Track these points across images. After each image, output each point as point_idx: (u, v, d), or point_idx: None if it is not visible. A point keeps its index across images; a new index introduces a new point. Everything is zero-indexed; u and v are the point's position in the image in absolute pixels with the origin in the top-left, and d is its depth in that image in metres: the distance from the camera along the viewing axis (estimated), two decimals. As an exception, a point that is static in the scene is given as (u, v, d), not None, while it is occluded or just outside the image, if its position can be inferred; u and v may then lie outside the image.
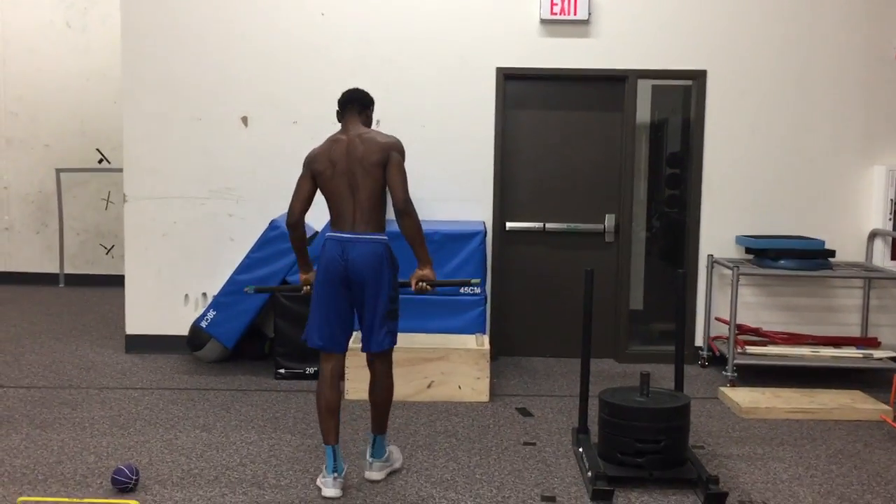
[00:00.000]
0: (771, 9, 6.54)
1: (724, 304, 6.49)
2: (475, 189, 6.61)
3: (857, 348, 6.32)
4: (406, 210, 4.11)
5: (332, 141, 4.26)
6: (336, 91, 6.59)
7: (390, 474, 4.38)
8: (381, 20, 6.55)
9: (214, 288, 6.46)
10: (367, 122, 4.38)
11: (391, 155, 4.16)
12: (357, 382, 5.61)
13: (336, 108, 4.39)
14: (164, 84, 6.61)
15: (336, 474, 4.13)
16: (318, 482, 4.21)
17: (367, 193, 4.15)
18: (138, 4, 6.56)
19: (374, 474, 4.32)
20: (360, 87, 4.48)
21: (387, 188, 4.18)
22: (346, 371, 5.62)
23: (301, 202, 4.29)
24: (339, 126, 4.36)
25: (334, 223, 4.22)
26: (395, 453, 4.50)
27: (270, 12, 6.56)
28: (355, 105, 4.33)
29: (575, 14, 6.45)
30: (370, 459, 4.34)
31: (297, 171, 6.59)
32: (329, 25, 6.56)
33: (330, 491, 4.11)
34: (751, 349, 6.23)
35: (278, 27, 6.57)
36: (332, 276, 4.14)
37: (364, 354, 4.34)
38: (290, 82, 6.58)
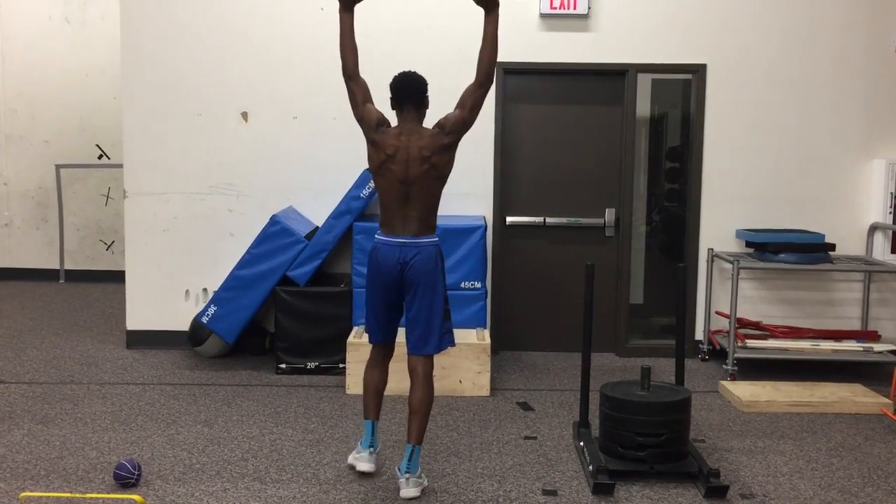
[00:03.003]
0: (770, 2, 6.53)
1: (724, 298, 6.50)
2: (475, 184, 6.62)
3: (858, 342, 6.33)
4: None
5: (395, 137, 4.13)
6: (336, 86, 6.62)
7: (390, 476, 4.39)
8: (380, 14, 6.54)
9: (215, 283, 6.46)
10: (424, 114, 4.25)
11: (445, 130, 4.13)
12: (357, 377, 5.60)
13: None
14: (163, 79, 6.61)
15: (372, 449, 4.25)
16: (352, 458, 4.31)
17: (424, 201, 4.13)
18: (137, 0, 6.55)
19: (411, 491, 4.02)
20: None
21: (451, 161, 4.19)
22: (347, 366, 5.66)
23: (355, 57, 4.35)
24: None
25: (387, 226, 4.15)
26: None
27: (270, 7, 6.56)
28: (412, 102, 4.19)
29: (574, 8, 6.45)
30: (406, 474, 4.05)
31: (298, 166, 6.67)
32: (329, 20, 6.52)
33: (364, 465, 4.22)
34: (751, 343, 6.23)
35: (278, 22, 6.56)
36: (387, 278, 4.13)
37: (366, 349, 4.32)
38: (289, 77, 6.58)
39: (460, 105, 4.15)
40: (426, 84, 4.23)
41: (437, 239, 4.19)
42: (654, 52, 6.56)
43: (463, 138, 4.29)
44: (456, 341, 5.50)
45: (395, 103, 4.21)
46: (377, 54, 6.51)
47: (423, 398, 4.15)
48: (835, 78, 6.59)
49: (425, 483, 4.15)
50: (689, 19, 6.54)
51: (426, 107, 4.24)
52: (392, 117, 4.27)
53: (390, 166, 4.10)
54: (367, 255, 4.53)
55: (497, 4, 4.14)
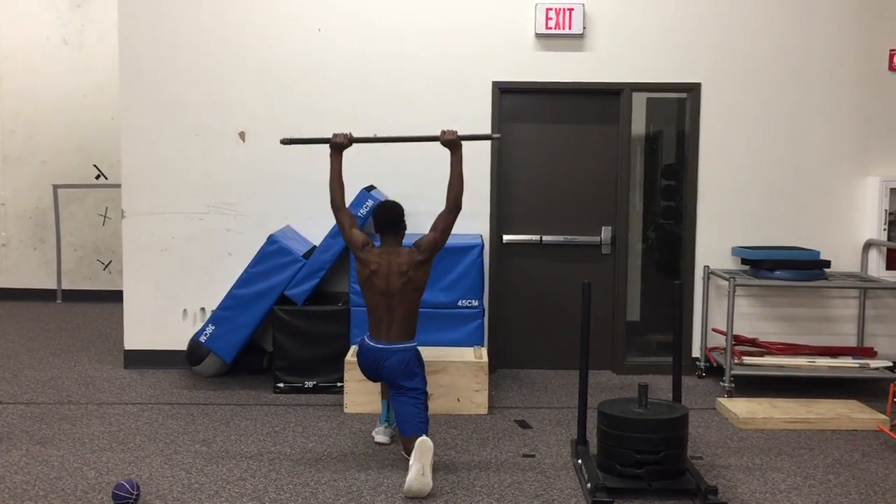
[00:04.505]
0: (764, 22, 6.59)
1: (720, 315, 6.52)
2: (472, 202, 6.59)
3: (854, 358, 6.35)
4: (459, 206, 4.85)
5: (378, 256, 4.78)
6: (333, 106, 6.71)
7: (390, 486, 4.41)
8: (377, 35, 6.59)
9: (213, 303, 6.47)
10: (403, 235, 4.92)
11: (420, 249, 4.75)
12: (355, 395, 5.63)
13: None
14: (161, 100, 6.65)
15: (387, 424, 5.07)
16: (373, 433, 5.10)
17: (403, 311, 4.76)
18: (135, 21, 6.60)
19: (382, 438, 5.05)
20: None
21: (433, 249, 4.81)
22: (345, 385, 5.67)
23: (342, 193, 4.89)
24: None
25: (372, 331, 4.81)
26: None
27: (267, 28, 6.60)
28: (391, 230, 4.85)
29: (570, 28, 6.50)
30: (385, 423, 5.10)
31: (295, 185, 6.69)
32: (326, 41, 6.60)
33: (381, 437, 5.04)
34: (748, 360, 6.25)
35: (275, 43, 6.61)
36: (369, 373, 4.86)
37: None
38: (287, 98, 6.62)
39: (433, 228, 4.80)
40: (402, 212, 4.91)
41: (413, 344, 4.81)
42: (649, 72, 6.61)
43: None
44: (454, 359, 5.64)
45: (377, 229, 4.89)
46: (376, 75, 6.57)
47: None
48: (829, 96, 6.64)
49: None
50: (683, 39, 6.60)
51: (404, 229, 4.91)
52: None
53: (374, 280, 4.75)
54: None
55: (460, 146, 4.84)
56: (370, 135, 6.54)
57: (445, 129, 4.86)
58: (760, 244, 6.60)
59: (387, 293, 4.74)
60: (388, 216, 4.88)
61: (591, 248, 6.80)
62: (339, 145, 4.90)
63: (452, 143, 4.83)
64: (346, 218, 4.89)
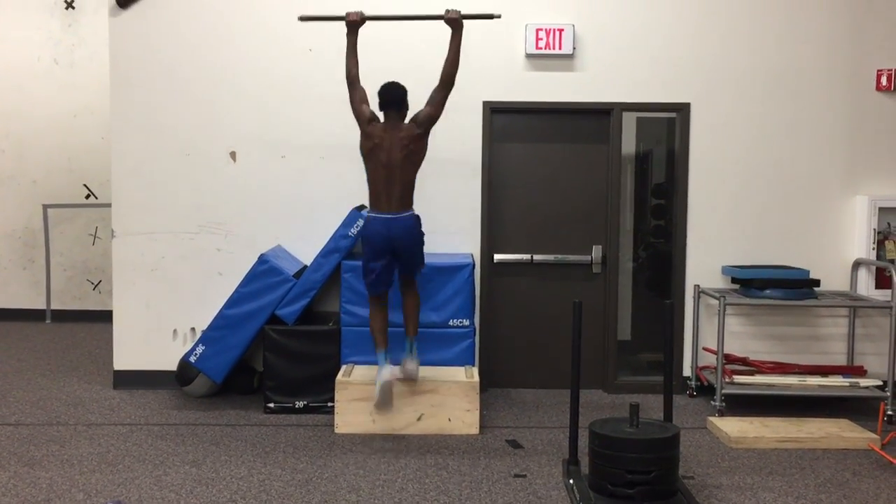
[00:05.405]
0: (754, 42, 6.63)
1: (711, 334, 6.53)
2: (463, 221, 6.65)
3: (844, 377, 6.36)
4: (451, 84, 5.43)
5: (381, 130, 5.37)
6: (323, 125, 6.74)
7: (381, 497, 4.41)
8: (368, 55, 6.58)
9: (203, 323, 6.45)
10: (405, 114, 5.46)
11: (418, 123, 5.36)
12: (346, 416, 5.61)
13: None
14: (151, 120, 6.65)
15: (388, 363, 5.41)
16: (376, 379, 5.38)
17: (403, 182, 5.35)
18: (125, 41, 6.61)
19: (412, 365, 5.54)
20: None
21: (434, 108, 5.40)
22: (336, 405, 5.65)
23: (357, 68, 5.55)
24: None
25: (374, 204, 5.40)
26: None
27: (258, 48, 6.62)
28: (393, 107, 5.41)
29: (560, 48, 6.53)
30: (408, 356, 5.57)
31: (285, 205, 6.71)
32: (317, 61, 6.62)
33: (385, 373, 5.34)
34: (738, 379, 6.25)
35: (266, 63, 6.62)
36: (378, 246, 5.37)
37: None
38: (277, 117, 6.63)
39: (428, 103, 5.38)
40: (405, 91, 5.43)
41: (412, 212, 5.43)
42: (639, 91, 6.64)
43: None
44: (445, 379, 5.72)
45: (382, 107, 5.44)
46: (368, 94, 6.57)
47: (415, 303, 5.64)
48: (818, 116, 6.67)
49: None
50: (672, 59, 6.64)
51: (406, 108, 5.45)
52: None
53: (377, 153, 5.33)
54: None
55: (461, 25, 5.36)
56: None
57: (449, 8, 5.40)
58: (750, 263, 6.62)
59: (388, 165, 5.30)
60: (393, 93, 5.39)
61: (581, 267, 6.81)
62: (353, 23, 5.51)
63: (454, 20, 5.34)
64: (359, 93, 5.46)
